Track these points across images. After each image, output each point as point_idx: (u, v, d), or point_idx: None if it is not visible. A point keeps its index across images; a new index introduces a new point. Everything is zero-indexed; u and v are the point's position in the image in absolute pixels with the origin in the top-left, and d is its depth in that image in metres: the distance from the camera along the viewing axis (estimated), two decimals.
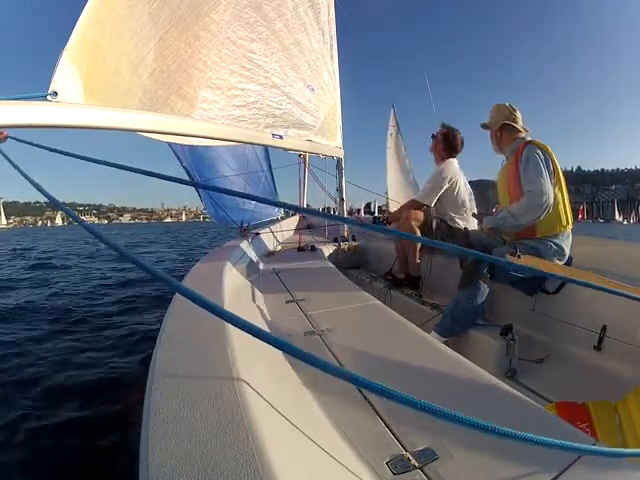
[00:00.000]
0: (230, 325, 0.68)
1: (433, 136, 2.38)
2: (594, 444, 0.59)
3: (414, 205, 2.26)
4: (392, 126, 8.68)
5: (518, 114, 1.70)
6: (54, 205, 0.68)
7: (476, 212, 2.20)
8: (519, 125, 1.68)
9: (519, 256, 1.42)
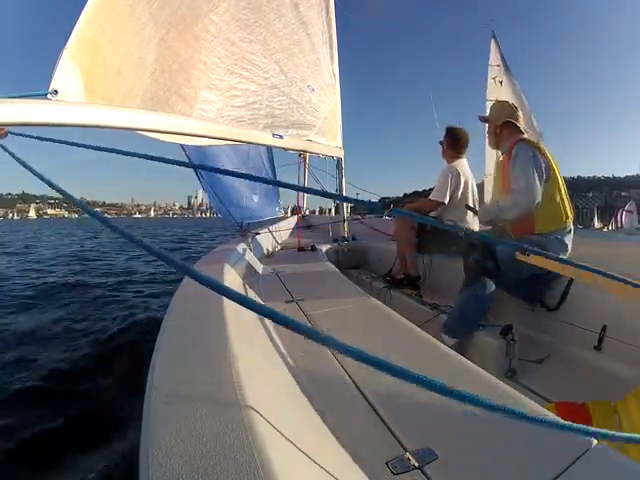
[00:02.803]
0: (230, 325, 0.68)
1: (441, 142, 2.38)
2: (594, 444, 0.59)
3: (429, 204, 2.25)
4: (495, 65, 5.71)
5: (520, 114, 1.73)
6: (67, 198, 0.66)
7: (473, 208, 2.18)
8: (521, 124, 1.71)
9: (528, 254, 1.44)
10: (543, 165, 1.54)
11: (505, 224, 1.68)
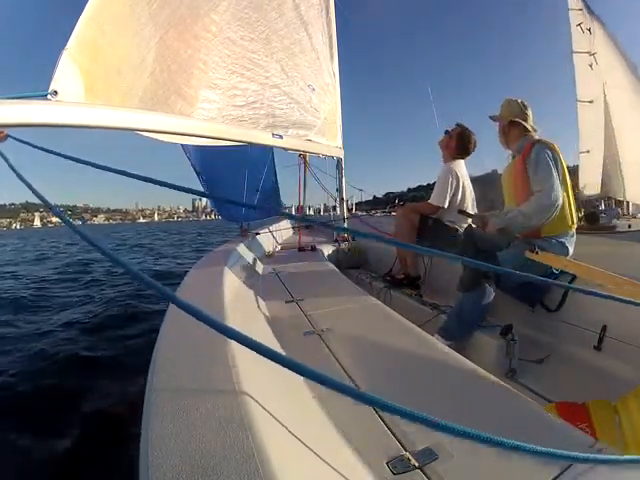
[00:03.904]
0: (230, 325, 0.68)
1: (447, 132, 2.30)
2: (593, 444, 0.59)
3: (429, 207, 2.22)
4: (577, 9, 4.37)
5: (529, 112, 1.67)
6: (50, 209, 0.66)
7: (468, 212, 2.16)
8: (528, 124, 1.65)
9: (537, 252, 1.43)
10: (559, 167, 1.51)
11: (524, 231, 1.55)
